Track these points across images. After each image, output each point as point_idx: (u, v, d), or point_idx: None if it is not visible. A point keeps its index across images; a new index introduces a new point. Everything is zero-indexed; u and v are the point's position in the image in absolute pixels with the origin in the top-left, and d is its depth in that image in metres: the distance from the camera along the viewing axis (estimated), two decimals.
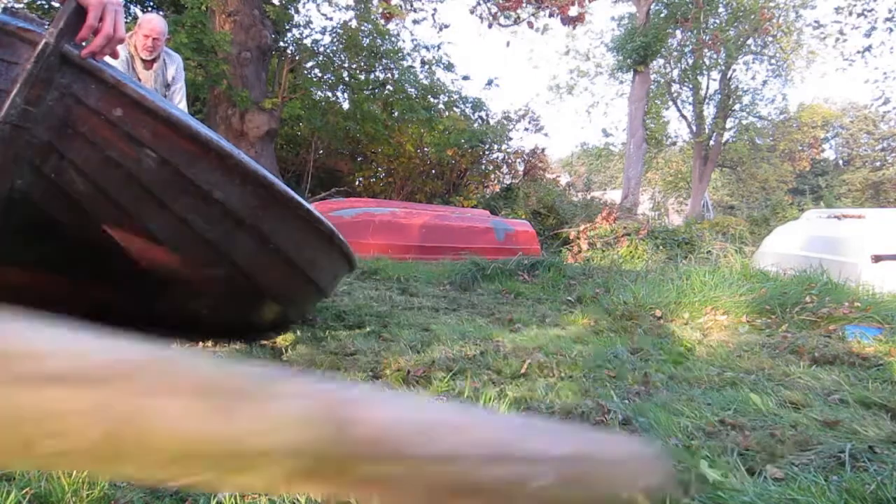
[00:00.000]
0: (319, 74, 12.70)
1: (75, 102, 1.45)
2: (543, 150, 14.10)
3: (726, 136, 22.43)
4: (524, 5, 11.50)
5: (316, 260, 2.27)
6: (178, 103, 3.56)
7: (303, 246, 2.11)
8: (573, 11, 11.06)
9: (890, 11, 17.17)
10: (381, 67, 12.73)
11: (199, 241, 1.79)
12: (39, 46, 1.36)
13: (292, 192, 1.93)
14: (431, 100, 13.18)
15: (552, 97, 27.64)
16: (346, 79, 12.64)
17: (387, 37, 12.33)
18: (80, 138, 1.50)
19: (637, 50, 15.24)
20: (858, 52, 18.84)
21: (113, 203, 1.62)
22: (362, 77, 12.72)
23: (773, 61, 21.99)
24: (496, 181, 14.10)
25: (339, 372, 2.03)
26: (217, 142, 1.65)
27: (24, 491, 1.03)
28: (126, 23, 1.60)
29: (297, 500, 1.10)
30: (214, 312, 2.18)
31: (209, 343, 2.30)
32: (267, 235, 1.91)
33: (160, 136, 1.56)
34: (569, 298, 4.14)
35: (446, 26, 18.46)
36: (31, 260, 1.69)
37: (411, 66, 12.98)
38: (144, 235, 1.72)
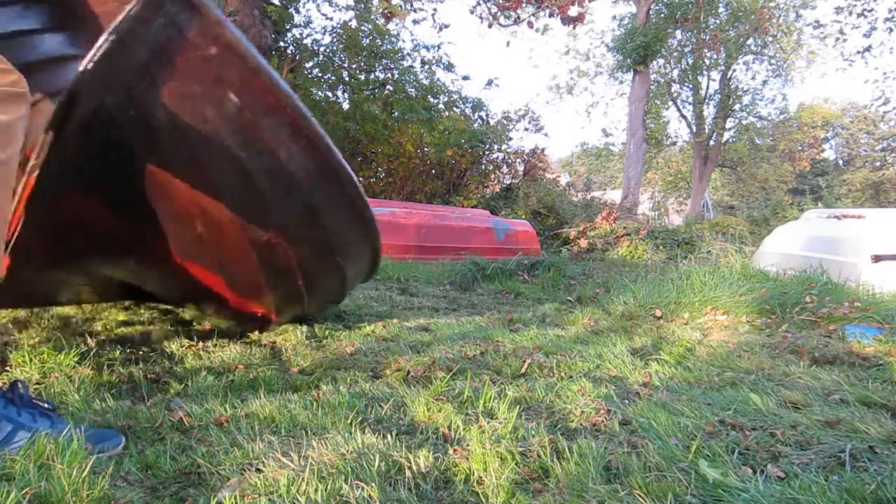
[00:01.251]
0: (319, 74, 12.70)
1: (177, 32, 1.44)
2: (543, 150, 14.11)
3: (726, 136, 22.46)
4: (524, 5, 11.49)
5: (352, 248, 2.18)
6: None
7: (346, 229, 2.04)
8: (573, 11, 11.05)
9: (890, 11, 17.19)
10: (381, 67, 12.74)
11: (254, 199, 1.76)
12: None
13: (350, 170, 1.85)
14: (431, 100, 13.18)
15: (552, 97, 27.72)
16: (346, 79, 12.65)
17: (387, 37, 12.34)
18: (172, 68, 1.49)
19: (637, 50, 15.25)
20: (858, 52, 18.89)
21: (187, 141, 1.61)
22: (362, 77, 12.72)
23: (773, 61, 22.03)
24: (496, 181, 14.10)
25: (339, 372, 2.03)
26: (294, 99, 1.63)
27: (24, 491, 1.03)
28: None
29: (297, 499, 1.10)
30: (241, 280, 2.12)
31: (209, 343, 2.30)
32: (318, 208, 1.86)
33: (246, 82, 1.54)
34: (569, 298, 4.14)
35: (446, 26, 18.44)
36: (91, 187, 1.67)
37: (411, 67, 12.99)
38: (205, 183, 1.70)
